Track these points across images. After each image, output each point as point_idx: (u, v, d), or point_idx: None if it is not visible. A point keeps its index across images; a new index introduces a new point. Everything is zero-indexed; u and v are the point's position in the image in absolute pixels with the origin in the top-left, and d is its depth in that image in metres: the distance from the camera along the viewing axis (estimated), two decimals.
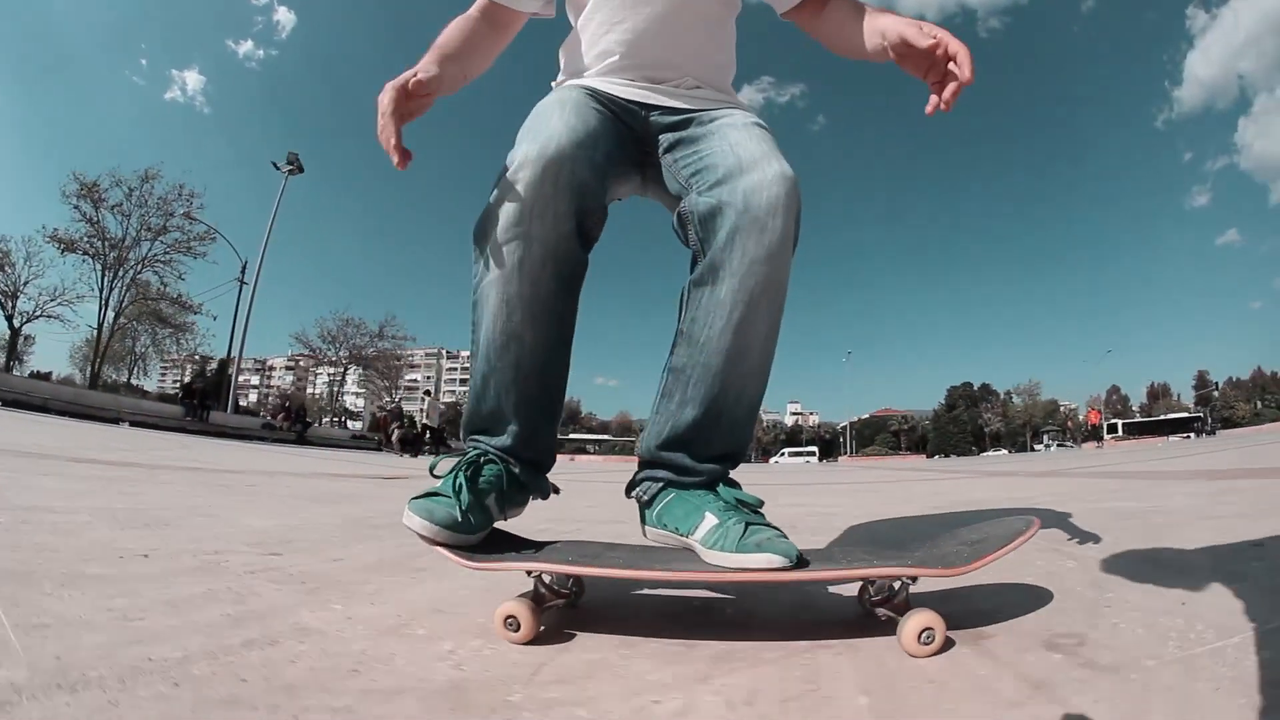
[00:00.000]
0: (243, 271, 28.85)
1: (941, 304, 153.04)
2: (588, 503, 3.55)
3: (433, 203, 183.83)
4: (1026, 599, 1.15)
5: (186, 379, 34.65)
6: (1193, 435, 40.17)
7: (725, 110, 1.34)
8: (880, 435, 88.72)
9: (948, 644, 0.92)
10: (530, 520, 1.36)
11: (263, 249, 28.28)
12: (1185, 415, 58.03)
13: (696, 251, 1.21)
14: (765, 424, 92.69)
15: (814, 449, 73.30)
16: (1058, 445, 60.38)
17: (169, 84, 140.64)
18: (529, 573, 1.06)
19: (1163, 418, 61.03)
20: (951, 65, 1.09)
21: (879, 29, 1.22)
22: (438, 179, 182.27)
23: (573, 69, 1.44)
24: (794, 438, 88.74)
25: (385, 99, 1.10)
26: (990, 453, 63.96)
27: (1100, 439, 34.20)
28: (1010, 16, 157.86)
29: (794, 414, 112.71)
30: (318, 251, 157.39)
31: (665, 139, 1.35)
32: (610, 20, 1.36)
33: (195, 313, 33.81)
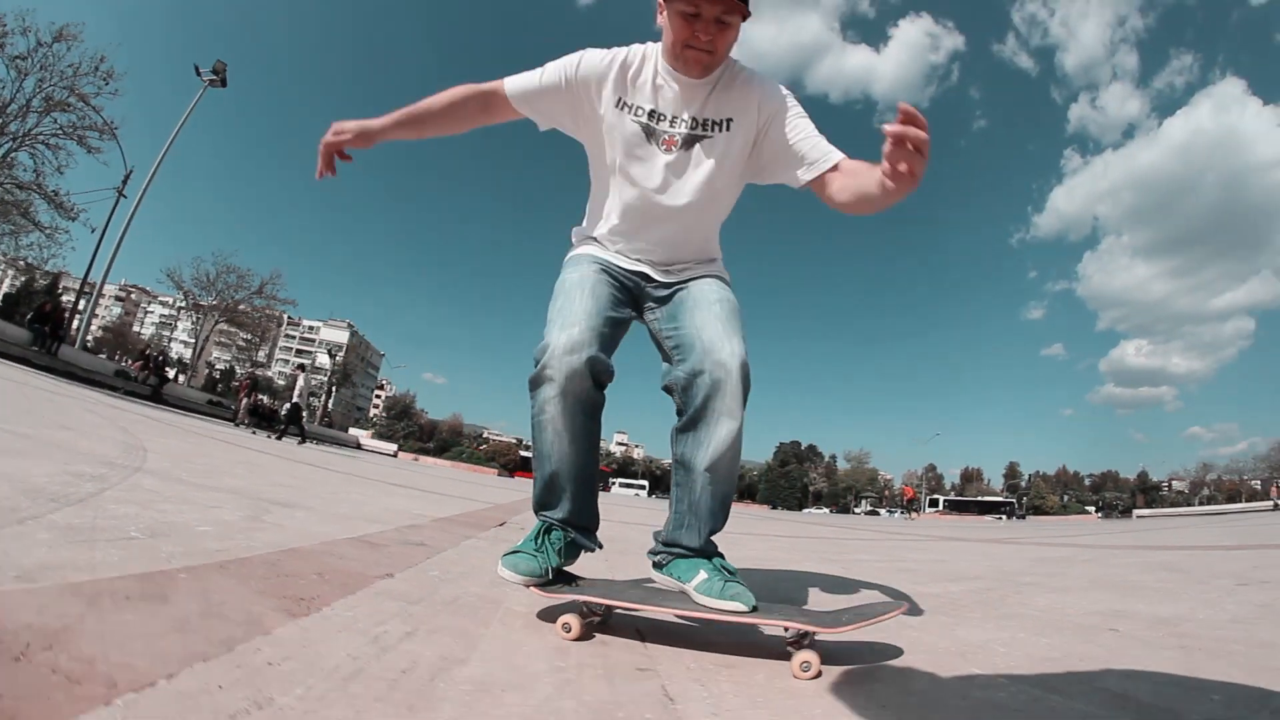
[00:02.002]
0: (124, 182, 23.51)
1: (782, 361, 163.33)
2: None
3: (353, 178, 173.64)
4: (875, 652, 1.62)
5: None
6: (1004, 518, 45.07)
7: (700, 280, 1.82)
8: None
9: (820, 674, 1.32)
10: None
11: (158, 161, 23.34)
12: (999, 500, 65.01)
13: (680, 408, 1.67)
14: None
15: (645, 483, 74.91)
16: (868, 511, 65.78)
17: None
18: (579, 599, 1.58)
19: (979, 499, 68.13)
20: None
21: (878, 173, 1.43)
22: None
23: (592, 228, 1.91)
24: (625, 468, 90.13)
25: (323, 141, 1.74)
26: (812, 510, 68.54)
27: (912, 511, 37.55)
28: None
29: (620, 444, 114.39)
30: (206, 184, 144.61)
31: (651, 305, 1.84)
32: (628, 227, 1.82)
33: (71, 219, 24.65)
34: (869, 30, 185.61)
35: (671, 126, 1.71)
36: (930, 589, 2.78)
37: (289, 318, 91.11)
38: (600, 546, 1.80)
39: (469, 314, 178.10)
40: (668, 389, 1.71)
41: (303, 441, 16.33)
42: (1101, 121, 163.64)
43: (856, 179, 1.57)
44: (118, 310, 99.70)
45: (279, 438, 15.92)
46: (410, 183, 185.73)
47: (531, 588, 1.60)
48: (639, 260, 1.85)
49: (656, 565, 1.73)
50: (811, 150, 1.67)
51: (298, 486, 4.10)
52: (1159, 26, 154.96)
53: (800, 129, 1.69)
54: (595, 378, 1.60)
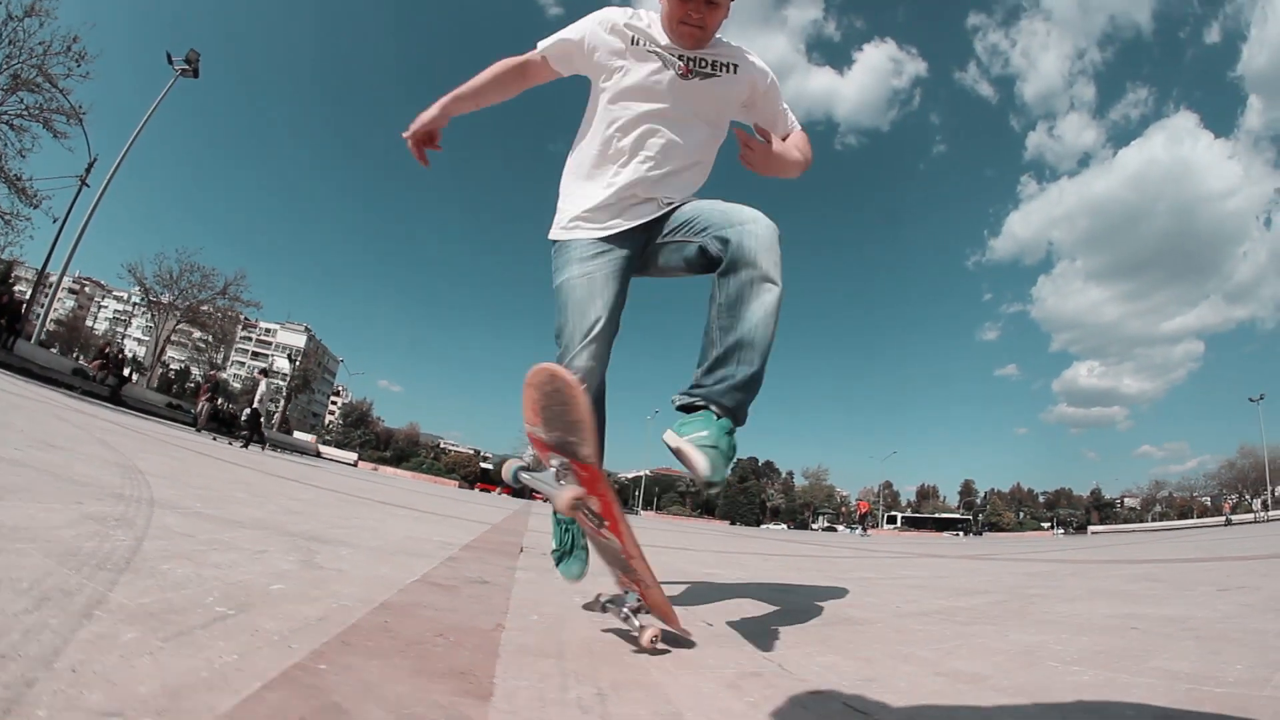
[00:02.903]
0: (88, 170, 22.45)
1: None
2: None
3: (324, 169, 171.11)
4: None
5: None
6: (961, 534, 46.14)
7: (690, 199, 1.93)
8: (668, 494, 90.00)
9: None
10: None
11: (125, 150, 22.14)
12: (957, 517, 66.35)
13: (721, 256, 1.71)
14: None
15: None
16: (825, 527, 66.59)
17: None
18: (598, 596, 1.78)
19: (937, 516, 69.40)
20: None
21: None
22: (337, 159, 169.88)
23: (580, 191, 1.96)
24: None
25: (408, 136, 1.99)
26: (770, 525, 69.41)
27: (866, 527, 37.17)
28: (868, 138, 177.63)
29: None
30: (163, 178, 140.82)
31: (655, 244, 1.92)
32: (629, 149, 1.89)
33: (34, 206, 22.67)
34: (834, 53, 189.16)
35: (681, 61, 1.90)
36: (957, 602, 2.99)
37: (245, 319, 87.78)
38: None
39: (427, 323, 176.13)
40: (703, 249, 1.78)
41: (263, 448, 15.96)
42: (1058, 150, 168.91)
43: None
44: (70, 303, 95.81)
45: (245, 445, 15.49)
46: (369, 187, 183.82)
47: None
48: (632, 201, 1.89)
49: (679, 423, 1.68)
50: (780, 120, 2.10)
51: (309, 513, 3.98)
52: (1116, 60, 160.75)
53: (778, 100, 2.09)
54: (601, 378, 1.86)
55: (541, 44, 2.01)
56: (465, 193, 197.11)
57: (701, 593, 2.94)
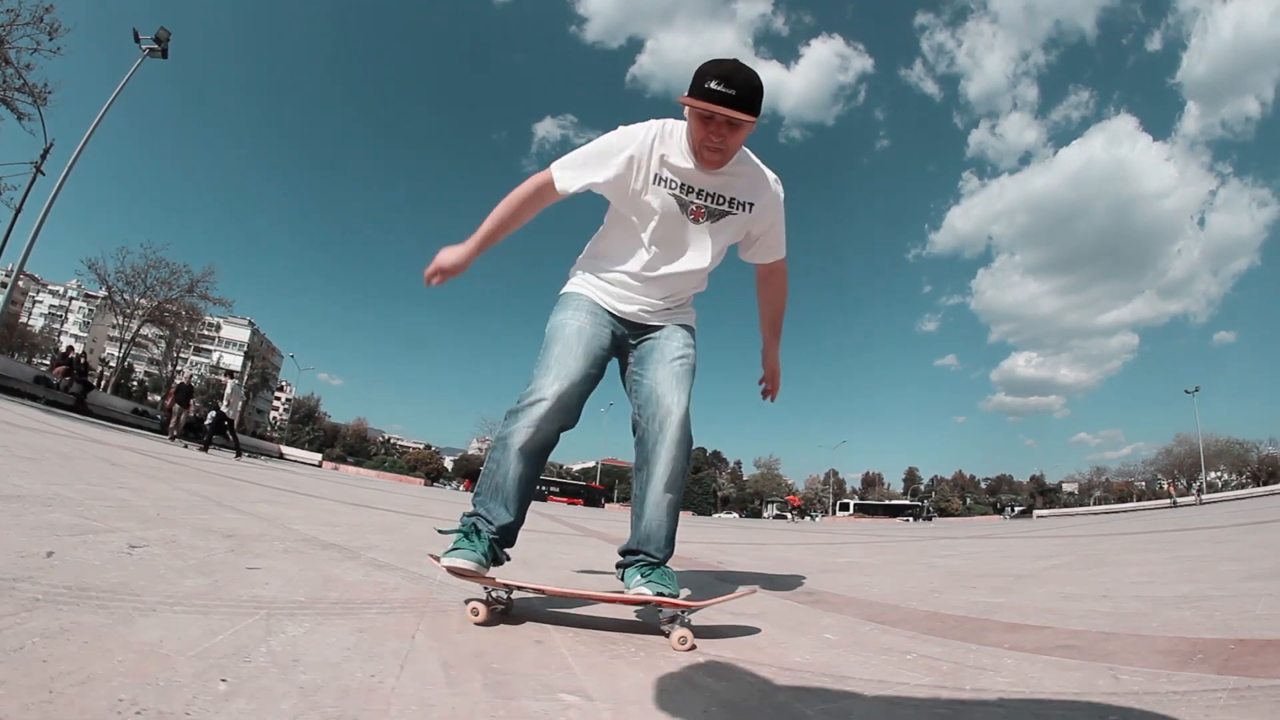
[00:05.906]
0: (43, 156, 19.97)
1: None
2: None
3: (299, 164, 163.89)
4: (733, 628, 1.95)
5: None
6: (911, 519, 48.20)
7: (671, 330, 2.11)
8: (620, 485, 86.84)
9: (694, 646, 1.59)
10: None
11: (86, 137, 19.15)
12: (907, 503, 68.20)
13: (634, 429, 2.00)
14: None
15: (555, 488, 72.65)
16: (776, 515, 67.89)
17: None
18: (485, 588, 1.78)
19: (890, 502, 71.30)
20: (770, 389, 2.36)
21: (766, 340, 2.38)
22: (317, 157, 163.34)
23: (593, 267, 2.16)
24: None
25: (428, 273, 1.99)
26: (721, 515, 70.96)
27: (801, 516, 38.66)
28: (812, 133, 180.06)
29: None
30: (137, 167, 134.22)
31: (630, 348, 2.12)
32: (640, 281, 2.08)
33: None
34: (781, 48, 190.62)
35: (699, 199, 1.97)
36: (1050, 562, 3.96)
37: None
38: (509, 559, 2.00)
39: (363, 314, 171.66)
40: (633, 427, 2.03)
41: (239, 456, 14.71)
42: (1000, 148, 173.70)
43: (765, 294, 2.30)
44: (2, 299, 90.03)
45: (205, 447, 14.11)
46: (292, 172, 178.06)
47: (476, 580, 1.78)
48: (634, 306, 2.11)
49: (622, 572, 2.01)
50: (773, 248, 2.17)
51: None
52: (1060, 63, 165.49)
53: (779, 228, 2.14)
54: (562, 428, 1.97)
55: (563, 177, 2.00)
56: (398, 178, 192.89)
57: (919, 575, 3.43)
